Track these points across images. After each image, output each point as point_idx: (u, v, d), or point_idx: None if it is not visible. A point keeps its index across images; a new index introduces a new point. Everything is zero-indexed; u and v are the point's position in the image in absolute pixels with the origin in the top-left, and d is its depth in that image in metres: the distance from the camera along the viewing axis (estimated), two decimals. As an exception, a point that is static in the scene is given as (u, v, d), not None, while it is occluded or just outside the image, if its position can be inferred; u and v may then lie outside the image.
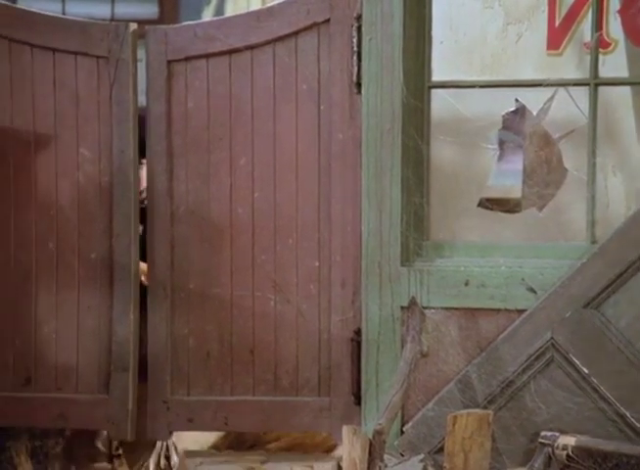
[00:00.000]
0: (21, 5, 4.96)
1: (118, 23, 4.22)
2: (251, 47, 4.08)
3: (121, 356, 4.11)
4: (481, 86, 4.03)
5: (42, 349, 4.22)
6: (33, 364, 4.24)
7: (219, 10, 7.47)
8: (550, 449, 3.67)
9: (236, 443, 5.23)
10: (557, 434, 3.69)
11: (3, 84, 4.24)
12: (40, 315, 4.24)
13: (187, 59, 4.14)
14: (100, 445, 4.96)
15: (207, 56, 4.11)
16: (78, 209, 4.22)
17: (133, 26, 4.18)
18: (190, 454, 4.43)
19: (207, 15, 7.56)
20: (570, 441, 3.65)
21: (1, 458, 5.05)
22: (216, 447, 5.24)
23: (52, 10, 6.18)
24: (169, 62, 4.15)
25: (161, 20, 7.52)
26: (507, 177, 4.07)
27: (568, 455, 3.64)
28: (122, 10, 7.84)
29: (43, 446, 5.37)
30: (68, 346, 4.23)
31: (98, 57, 4.16)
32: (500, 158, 4.06)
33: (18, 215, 4.25)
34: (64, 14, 7.26)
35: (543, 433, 3.69)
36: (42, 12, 4.38)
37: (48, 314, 4.23)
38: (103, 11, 7.72)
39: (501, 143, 4.05)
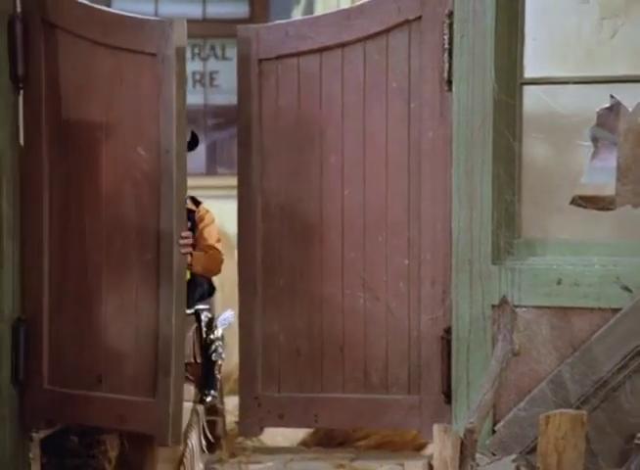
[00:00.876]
0: (109, 6, 4.94)
1: (164, 20, 4.12)
2: (342, 45, 4.09)
3: (165, 360, 3.99)
4: (575, 82, 4.01)
5: (109, 348, 4.21)
6: (104, 364, 4.20)
7: (308, 9, 7.49)
8: (646, 451, 3.56)
9: (325, 440, 5.25)
10: (654, 435, 3.57)
11: (81, 84, 4.22)
12: (108, 315, 4.21)
13: (278, 57, 4.16)
14: None
15: (299, 54, 4.14)
16: (135, 208, 4.16)
17: (178, 22, 4.03)
18: (280, 451, 4.45)
19: (297, 14, 7.61)
20: (667, 442, 3.55)
21: (95, 452, 5.14)
22: (305, 444, 5.26)
23: (145, 11, 6.19)
24: (260, 60, 4.18)
25: (252, 19, 7.60)
26: (601, 175, 4.02)
27: (666, 458, 3.53)
28: (214, 9, 7.92)
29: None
30: (129, 346, 4.18)
31: (150, 54, 4.06)
32: (594, 155, 4.01)
33: (90, 216, 4.22)
34: (156, 14, 7.34)
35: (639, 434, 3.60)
36: (103, 8, 4.33)
37: (114, 314, 4.21)
38: (195, 10, 7.81)
39: (595, 140, 4.01)
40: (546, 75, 4.02)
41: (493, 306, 3.91)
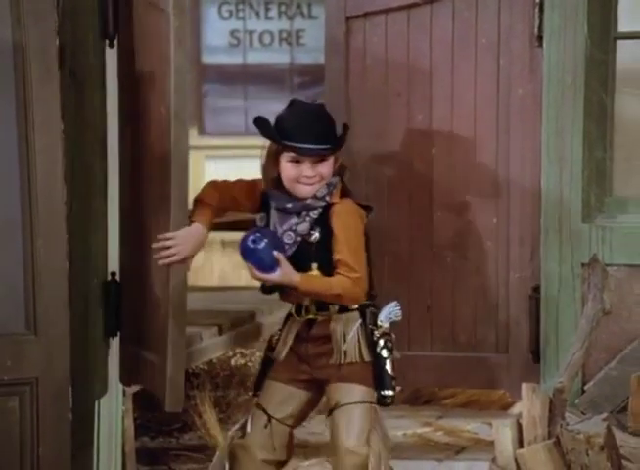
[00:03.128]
0: None
1: None
2: (431, 1, 4.06)
3: None
4: None
5: None
6: None
7: None
8: None
9: (411, 398, 5.24)
10: None
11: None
12: None
13: (366, 15, 4.13)
14: None
15: (387, 11, 4.10)
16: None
17: None
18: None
19: None
20: None
21: (187, 407, 5.23)
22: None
23: None
24: (348, 18, 4.15)
25: None
26: None
27: None
28: None
29: (225, 397, 5.57)
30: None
31: (161, 9, 3.80)
32: None
33: None
34: None
35: None
36: None
37: None
38: None
39: None
40: None
41: (583, 265, 3.88)
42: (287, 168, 3.41)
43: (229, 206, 3.56)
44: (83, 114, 4.10)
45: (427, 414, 5.03)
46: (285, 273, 3.38)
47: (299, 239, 3.43)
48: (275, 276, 3.39)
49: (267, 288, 3.53)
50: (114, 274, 4.24)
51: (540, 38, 3.92)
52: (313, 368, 3.51)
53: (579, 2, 3.86)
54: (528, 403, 3.52)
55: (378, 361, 3.47)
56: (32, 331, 3.88)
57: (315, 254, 3.42)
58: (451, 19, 4.04)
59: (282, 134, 3.39)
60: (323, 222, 3.43)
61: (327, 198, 3.43)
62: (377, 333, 3.48)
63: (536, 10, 3.92)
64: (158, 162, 3.77)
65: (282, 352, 3.53)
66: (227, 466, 3.59)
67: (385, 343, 3.48)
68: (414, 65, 4.03)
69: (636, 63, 4.00)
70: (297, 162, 3.39)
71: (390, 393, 3.47)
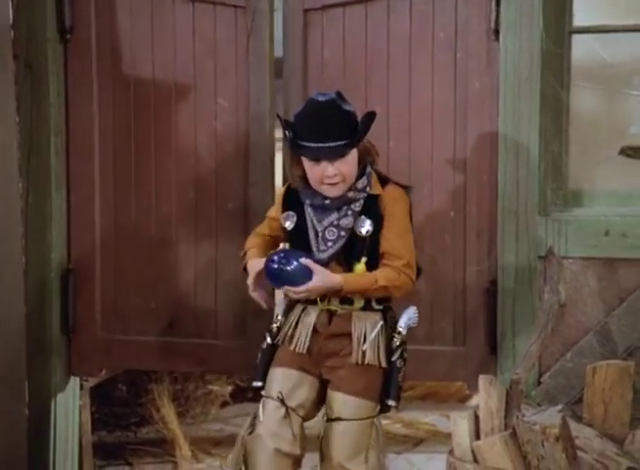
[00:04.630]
0: None
1: None
2: None
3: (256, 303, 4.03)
4: (626, 31, 3.94)
5: (183, 295, 4.29)
6: (175, 311, 4.30)
7: None
8: (694, 401, 3.53)
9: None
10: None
11: (145, 36, 4.26)
12: (181, 263, 4.29)
13: (324, 8, 4.11)
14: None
15: (344, 4, 4.08)
16: (216, 158, 4.24)
17: None
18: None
19: None
20: None
21: (144, 400, 5.25)
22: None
23: None
24: (306, 11, 4.12)
25: None
26: None
27: None
28: None
29: (184, 390, 5.56)
30: (207, 293, 4.28)
31: (236, 7, 4.14)
32: None
33: (159, 167, 4.29)
34: None
35: (687, 385, 3.56)
36: None
37: (188, 262, 4.29)
38: None
39: None
40: (596, 24, 3.97)
41: (539, 258, 3.88)
42: (309, 168, 3.29)
43: (270, 242, 3.51)
44: (39, 106, 4.18)
45: (385, 407, 5.05)
46: (324, 279, 3.25)
47: (344, 234, 3.29)
48: (314, 284, 3.24)
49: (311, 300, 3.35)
50: (69, 268, 4.35)
51: (497, 32, 3.92)
52: (322, 367, 3.37)
53: (535, -5, 3.89)
54: (485, 396, 3.55)
55: (391, 370, 3.35)
56: (-15, 326, 3.93)
57: (368, 248, 3.28)
58: (409, 13, 4.02)
59: (297, 135, 3.27)
60: (373, 215, 3.30)
61: (367, 189, 3.31)
62: (396, 340, 3.36)
63: (493, 4, 3.91)
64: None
65: (303, 343, 3.35)
66: (243, 467, 3.36)
67: (401, 353, 3.37)
68: (372, 58, 4.01)
69: (592, 57, 4.02)
70: (316, 160, 3.26)
71: (394, 404, 3.38)
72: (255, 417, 3.36)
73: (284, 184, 3.60)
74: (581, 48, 3.99)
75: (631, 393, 3.60)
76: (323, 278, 3.25)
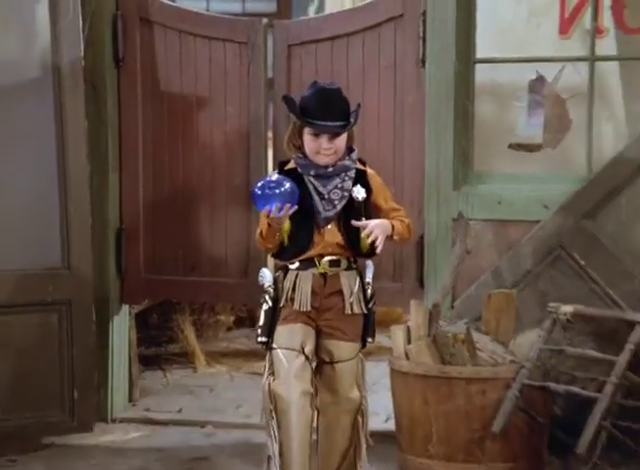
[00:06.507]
0: (177, 3, 5.23)
1: (254, 19, 4.30)
2: (348, 35, 4.17)
3: (257, 251, 4.12)
4: (513, 61, 4.08)
5: (202, 246, 4.37)
6: (196, 257, 4.38)
7: (321, 6, 7.53)
8: (555, 315, 3.63)
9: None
10: (560, 304, 3.65)
11: (175, 63, 4.38)
12: (201, 223, 4.38)
13: (302, 43, 4.23)
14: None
15: (317, 41, 4.20)
16: (226, 150, 4.32)
17: (264, 21, 4.27)
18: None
19: (312, 9, 7.65)
20: (569, 309, 3.63)
21: (172, 325, 5.36)
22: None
23: (197, 7, 6.44)
24: (289, 46, 4.24)
25: (279, 13, 7.64)
26: (532, 127, 4.10)
27: (567, 319, 3.60)
28: (251, 5, 8.06)
29: (200, 318, 5.61)
30: (220, 245, 4.35)
31: (240, 43, 4.26)
32: (527, 113, 4.11)
33: (185, 155, 4.40)
34: (207, 10, 7.47)
35: (550, 304, 3.69)
36: (202, 11, 4.61)
37: (206, 222, 4.36)
38: (236, 7, 7.97)
39: (527, 102, 4.11)
40: (491, 56, 4.10)
41: (453, 220, 4.03)
42: (308, 141, 3.20)
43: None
44: (100, 114, 4.40)
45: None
46: (383, 223, 3.17)
47: (346, 194, 3.19)
48: (381, 223, 3.13)
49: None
50: (121, 228, 4.52)
51: (423, 61, 4.07)
52: (319, 320, 3.25)
53: (449, 36, 4.02)
54: (415, 315, 3.73)
55: (369, 315, 3.30)
56: (66, 266, 4.16)
57: (363, 210, 3.21)
58: (362, 47, 4.15)
59: (304, 112, 3.16)
60: (362, 184, 3.22)
61: (357, 163, 3.26)
62: (369, 290, 3.30)
63: (420, 42, 4.06)
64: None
65: (306, 302, 3.22)
66: (272, 410, 3.19)
67: (372, 298, 3.31)
68: (336, 80, 3.75)
69: (489, 79, 4.11)
70: (316, 135, 3.17)
71: (372, 340, 3.34)
72: (271, 369, 3.23)
73: (274, 169, 3.50)
74: (482, 73, 4.11)
75: (514, 312, 3.76)
76: (382, 222, 3.21)
